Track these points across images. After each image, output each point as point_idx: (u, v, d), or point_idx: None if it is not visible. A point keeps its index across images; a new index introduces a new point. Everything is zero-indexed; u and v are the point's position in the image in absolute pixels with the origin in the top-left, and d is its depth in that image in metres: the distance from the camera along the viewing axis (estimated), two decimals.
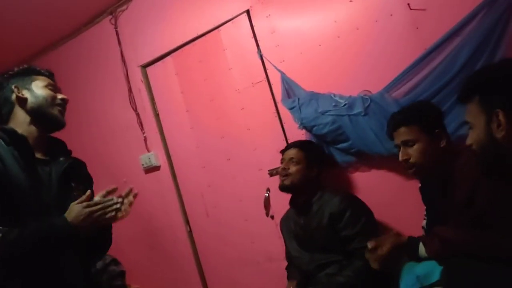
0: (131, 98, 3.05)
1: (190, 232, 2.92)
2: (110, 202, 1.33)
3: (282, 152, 2.18)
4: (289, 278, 2.24)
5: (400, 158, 1.61)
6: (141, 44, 2.97)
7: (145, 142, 3.01)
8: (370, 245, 1.57)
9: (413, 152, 1.58)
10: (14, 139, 1.37)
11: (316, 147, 2.20)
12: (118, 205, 1.33)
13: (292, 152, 2.12)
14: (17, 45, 3.17)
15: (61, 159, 1.49)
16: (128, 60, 3.04)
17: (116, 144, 3.18)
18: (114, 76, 3.10)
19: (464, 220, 1.39)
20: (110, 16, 3.08)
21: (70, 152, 1.57)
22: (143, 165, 3.01)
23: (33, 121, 1.44)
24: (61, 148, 1.56)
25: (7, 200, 1.28)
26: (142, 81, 2.99)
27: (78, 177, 1.54)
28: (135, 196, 1.45)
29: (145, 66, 3.00)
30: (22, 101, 1.44)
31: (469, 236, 1.31)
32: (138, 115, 3.03)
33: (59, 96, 1.51)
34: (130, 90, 3.05)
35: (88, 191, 1.35)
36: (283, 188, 2.10)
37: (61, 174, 1.45)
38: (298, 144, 2.16)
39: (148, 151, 3.01)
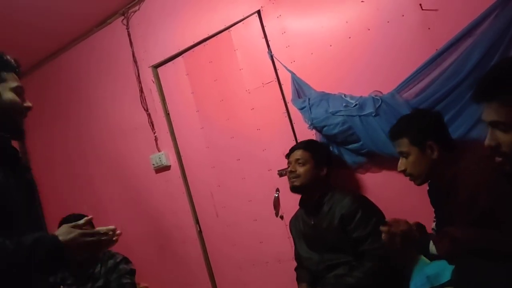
0: (142, 98, 3.07)
1: (200, 232, 2.94)
2: (103, 234, 1.26)
3: (287, 155, 2.17)
4: (298, 281, 2.23)
5: (398, 168, 1.69)
6: (152, 45, 3.00)
7: (156, 142, 3.04)
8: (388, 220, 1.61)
9: (408, 163, 1.65)
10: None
11: (321, 146, 2.20)
12: (113, 236, 1.27)
13: (297, 154, 2.11)
14: (31, 47, 3.21)
15: (24, 165, 1.42)
16: (139, 61, 3.07)
17: (127, 144, 3.21)
18: (126, 76, 3.13)
19: (467, 221, 1.39)
20: (122, 17, 3.11)
21: (20, 158, 1.41)
22: (153, 164, 3.03)
23: None
24: (15, 154, 1.38)
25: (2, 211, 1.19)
26: (153, 82, 3.01)
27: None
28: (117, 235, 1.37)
29: (156, 67, 3.02)
30: None
31: (477, 233, 1.32)
32: (149, 115, 3.05)
33: (26, 104, 1.37)
34: (141, 90, 3.07)
35: (87, 218, 1.28)
36: (293, 189, 2.11)
37: (25, 175, 1.38)
38: (302, 145, 2.16)
39: (159, 151, 3.03)
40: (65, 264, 1.22)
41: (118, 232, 1.33)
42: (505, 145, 1.16)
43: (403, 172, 1.68)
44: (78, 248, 1.20)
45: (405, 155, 1.65)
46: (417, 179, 1.67)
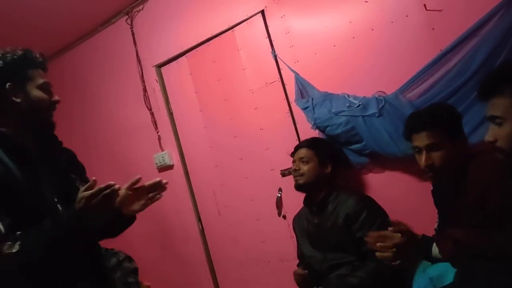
0: (146, 97, 3.08)
1: (202, 231, 2.94)
2: (104, 186, 1.26)
3: (292, 154, 2.18)
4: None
5: (424, 163, 1.52)
6: (156, 44, 3.00)
7: (159, 141, 3.04)
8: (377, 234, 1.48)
9: (437, 157, 1.50)
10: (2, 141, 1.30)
11: (326, 143, 2.19)
12: (115, 188, 1.28)
13: (302, 152, 2.12)
14: (35, 46, 3.19)
15: (56, 152, 1.44)
16: (143, 60, 3.07)
17: (130, 143, 3.21)
18: (129, 75, 3.13)
19: (476, 221, 1.38)
20: (126, 16, 3.11)
21: (61, 143, 1.47)
22: (156, 164, 3.04)
23: (21, 123, 1.33)
24: (52, 140, 1.44)
25: (12, 201, 1.22)
26: (156, 81, 3.02)
27: (74, 168, 1.49)
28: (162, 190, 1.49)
29: (159, 66, 3.03)
30: (14, 104, 1.31)
31: (481, 236, 1.31)
32: (152, 114, 3.06)
33: (54, 98, 1.39)
34: (145, 89, 3.08)
35: (93, 179, 1.28)
36: (298, 187, 2.11)
37: (61, 168, 1.41)
38: (306, 144, 2.16)
39: (162, 150, 3.03)
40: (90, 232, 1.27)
41: (164, 181, 1.49)
42: (500, 140, 1.18)
43: (430, 167, 1.52)
44: (93, 211, 1.23)
45: (436, 148, 1.49)
46: (441, 174, 1.54)
